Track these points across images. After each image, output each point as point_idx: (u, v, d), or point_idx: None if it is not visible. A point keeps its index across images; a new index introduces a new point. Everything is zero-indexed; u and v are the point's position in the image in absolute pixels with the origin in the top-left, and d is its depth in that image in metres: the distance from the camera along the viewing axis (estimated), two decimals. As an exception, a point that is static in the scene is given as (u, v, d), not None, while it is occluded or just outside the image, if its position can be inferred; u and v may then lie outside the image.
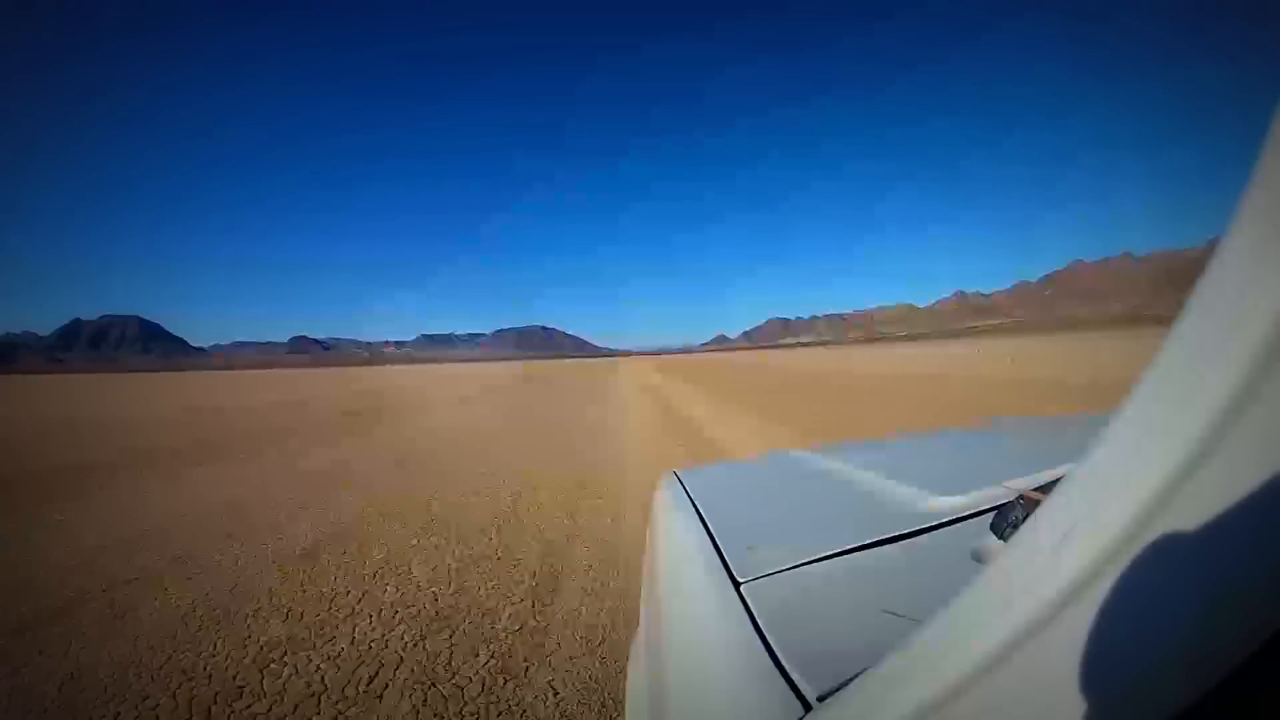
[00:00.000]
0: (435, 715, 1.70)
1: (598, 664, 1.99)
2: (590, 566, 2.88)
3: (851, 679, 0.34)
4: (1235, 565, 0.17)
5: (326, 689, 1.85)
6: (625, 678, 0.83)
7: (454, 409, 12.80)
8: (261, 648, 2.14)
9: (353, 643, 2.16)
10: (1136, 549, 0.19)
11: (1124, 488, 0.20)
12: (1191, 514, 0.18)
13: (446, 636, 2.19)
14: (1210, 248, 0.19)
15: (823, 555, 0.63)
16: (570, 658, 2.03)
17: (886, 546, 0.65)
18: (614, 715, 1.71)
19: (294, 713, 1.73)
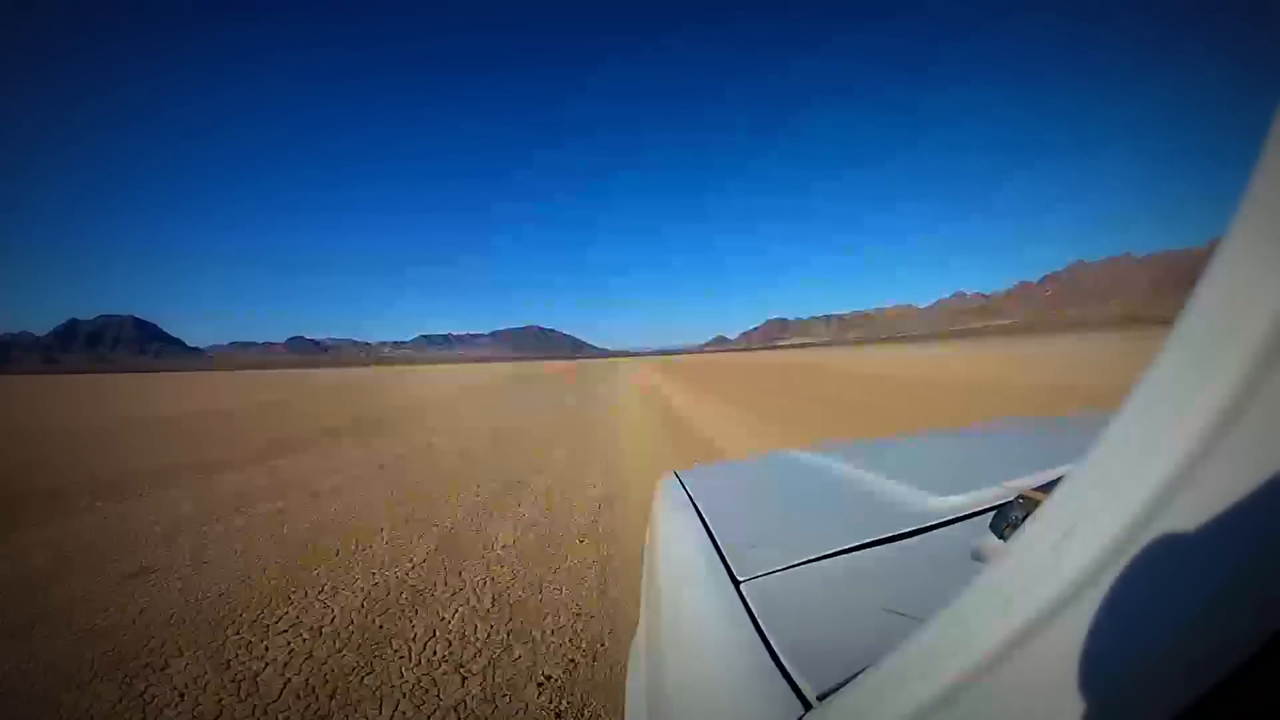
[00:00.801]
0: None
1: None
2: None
3: (851, 679, 0.34)
4: (1235, 565, 0.17)
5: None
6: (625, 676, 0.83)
7: (446, 409, 12.28)
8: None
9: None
10: (1136, 549, 0.19)
11: (1124, 488, 0.20)
12: (1191, 514, 0.18)
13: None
14: (1210, 248, 0.19)
15: (823, 555, 0.63)
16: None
17: (886, 546, 0.65)
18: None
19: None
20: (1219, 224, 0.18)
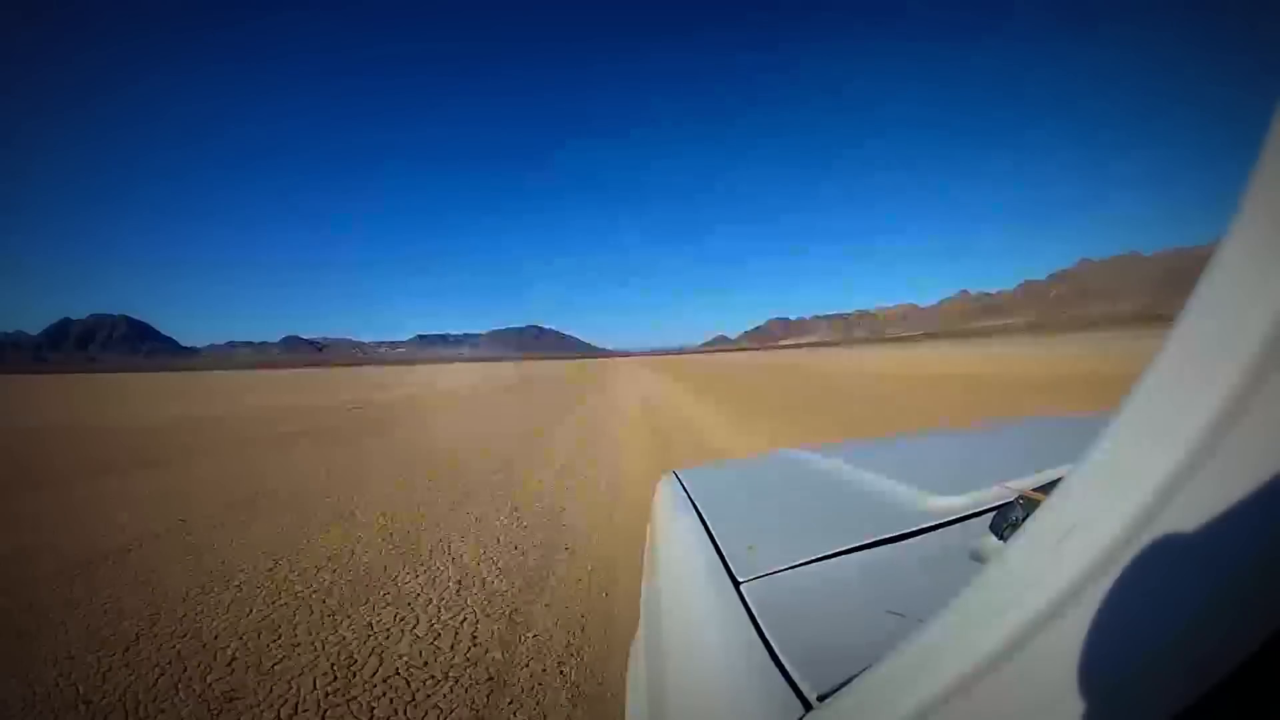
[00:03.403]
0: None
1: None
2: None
3: (851, 679, 0.34)
4: (1235, 565, 0.17)
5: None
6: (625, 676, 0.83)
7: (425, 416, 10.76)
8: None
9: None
10: (1136, 549, 0.20)
11: (1124, 488, 0.20)
12: (1191, 514, 0.18)
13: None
14: (1213, 247, 0.19)
15: (823, 555, 0.63)
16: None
17: (886, 546, 0.65)
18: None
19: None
20: (1219, 224, 0.18)
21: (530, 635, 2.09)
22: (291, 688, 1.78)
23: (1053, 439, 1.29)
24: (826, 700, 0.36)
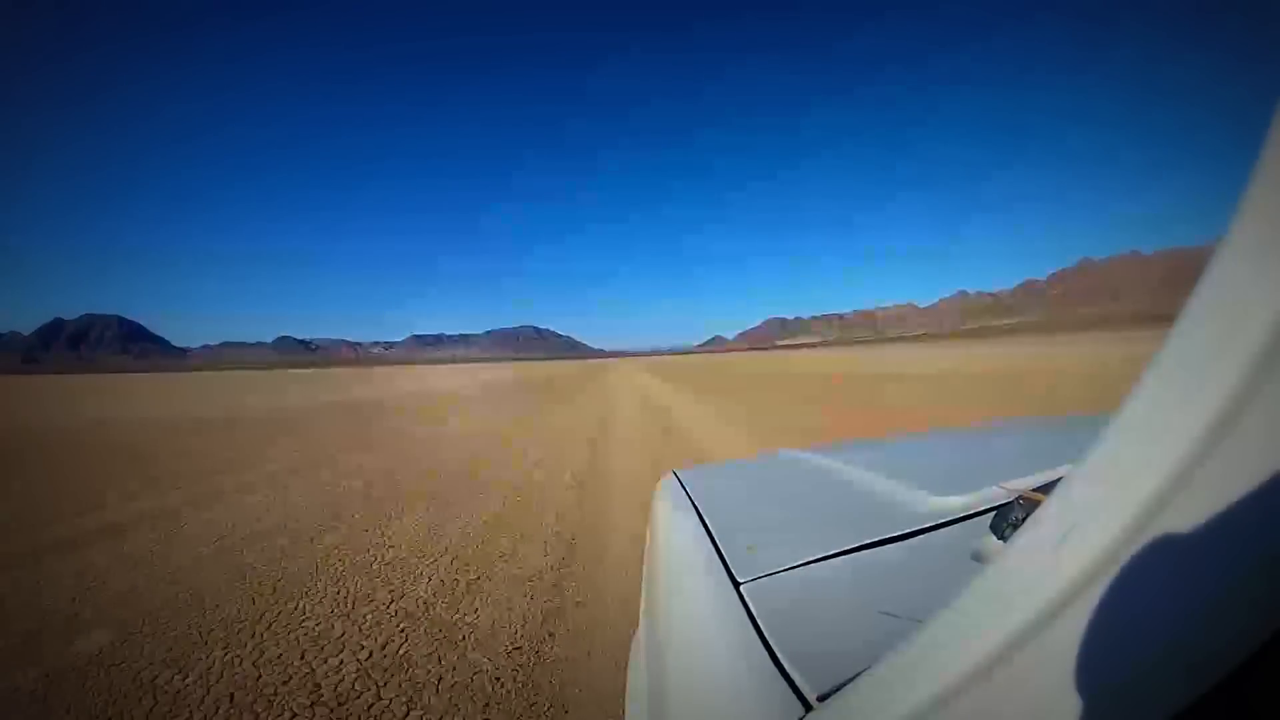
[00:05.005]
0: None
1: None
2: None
3: (851, 679, 0.34)
4: (1235, 565, 0.17)
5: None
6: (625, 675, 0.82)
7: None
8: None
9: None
10: (1136, 549, 0.20)
11: (1124, 488, 0.20)
12: (1191, 514, 0.18)
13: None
14: (1213, 247, 0.19)
15: (823, 555, 0.63)
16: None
17: (886, 546, 0.65)
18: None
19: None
20: (1219, 224, 0.18)
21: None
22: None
23: (1053, 439, 1.29)
24: (826, 700, 0.36)
